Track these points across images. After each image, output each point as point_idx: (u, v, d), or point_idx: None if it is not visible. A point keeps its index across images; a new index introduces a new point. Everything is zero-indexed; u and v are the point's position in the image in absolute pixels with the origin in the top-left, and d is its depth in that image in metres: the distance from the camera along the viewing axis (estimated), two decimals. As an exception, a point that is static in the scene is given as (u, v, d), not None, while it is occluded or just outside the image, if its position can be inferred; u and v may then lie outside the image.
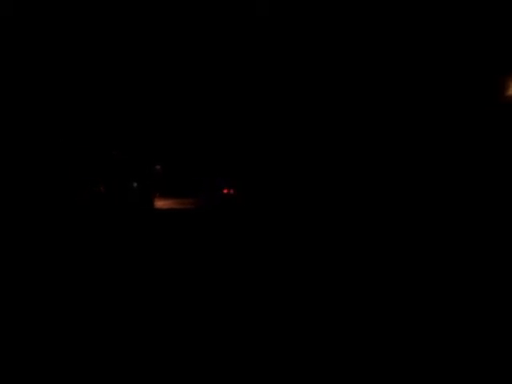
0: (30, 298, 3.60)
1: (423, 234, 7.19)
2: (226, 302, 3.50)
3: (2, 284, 4.03)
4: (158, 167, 14.57)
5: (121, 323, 2.99)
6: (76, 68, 12.20)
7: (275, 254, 5.60)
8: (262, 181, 14.99)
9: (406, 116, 11.96)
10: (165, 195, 16.65)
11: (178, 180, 18.12)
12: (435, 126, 11.25)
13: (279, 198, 14.26)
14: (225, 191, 14.64)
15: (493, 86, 9.81)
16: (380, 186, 12.13)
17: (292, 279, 4.21)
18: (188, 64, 14.47)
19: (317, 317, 3.08)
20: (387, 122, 12.36)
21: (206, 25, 13.41)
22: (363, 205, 11.94)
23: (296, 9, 12.54)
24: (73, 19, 11.77)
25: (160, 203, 14.30)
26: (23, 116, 10.50)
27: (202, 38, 13.85)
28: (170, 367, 2.31)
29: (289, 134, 14.60)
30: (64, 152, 10.62)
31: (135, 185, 11.49)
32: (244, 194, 14.89)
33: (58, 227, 7.81)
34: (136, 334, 2.80)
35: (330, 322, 2.96)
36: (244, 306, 3.39)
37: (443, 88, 11.03)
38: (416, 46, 11.18)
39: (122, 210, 10.63)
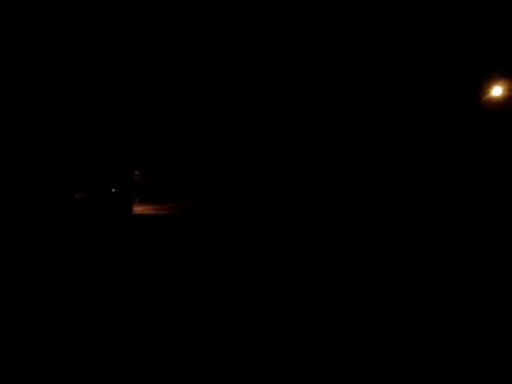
0: (28, 296, 3.65)
1: (422, 233, 7.17)
2: (222, 302, 3.42)
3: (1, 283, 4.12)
4: (136, 173, 14.63)
5: (113, 325, 2.92)
6: (74, 68, 12.22)
7: (273, 254, 5.50)
8: (260, 180, 14.74)
9: (401, 117, 12.15)
10: (144, 201, 16.71)
11: (166, 184, 17.97)
12: (424, 128, 11.63)
13: (278, 198, 14.07)
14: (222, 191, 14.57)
15: (473, 91, 10.34)
16: (379, 187, 12.15)
17: (291, 280, 4.12)
18: (187, 64, 14.37)
19: (316, 316, 3.03)
20: (383, 124, 12.52)
21: (206, 24, 13.28)
22: (363, 206, 11.75)
23: (296, 9, 12.39)
24: (73, 19, 11.82)
25: (139, 209, 14.40)
26: (20, 115, 10.53)
27: (202, 37, 13.73)
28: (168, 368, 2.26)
29: (288, 133, 14.43)
30: (50, 157, 10.70)
31: (114, 191, 11.60)
32: (243, 193, 14.72)
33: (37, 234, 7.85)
34: (130, 334, 2.72)
35: (329, 322, 2.91)
36: (242, 306, 3.31)
37: (434, 93, 11.39)
38: (408, 51, 11.51)
39: (101, 216, 10.67)
